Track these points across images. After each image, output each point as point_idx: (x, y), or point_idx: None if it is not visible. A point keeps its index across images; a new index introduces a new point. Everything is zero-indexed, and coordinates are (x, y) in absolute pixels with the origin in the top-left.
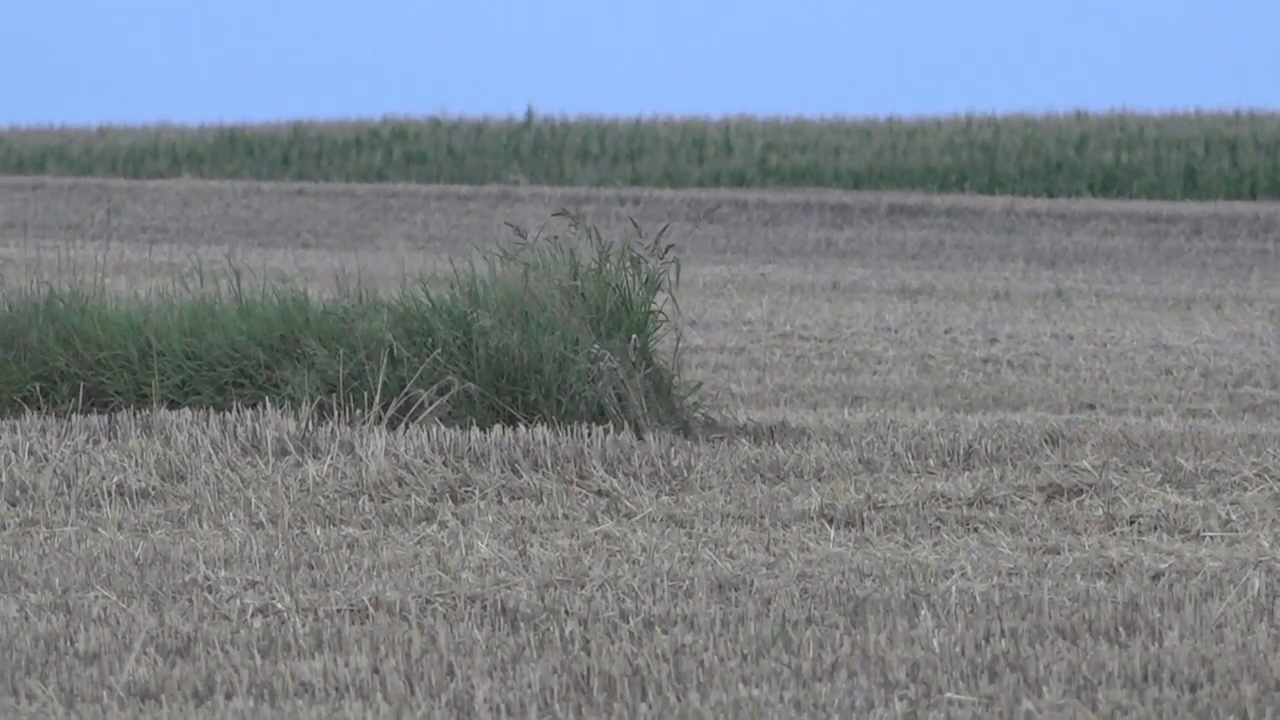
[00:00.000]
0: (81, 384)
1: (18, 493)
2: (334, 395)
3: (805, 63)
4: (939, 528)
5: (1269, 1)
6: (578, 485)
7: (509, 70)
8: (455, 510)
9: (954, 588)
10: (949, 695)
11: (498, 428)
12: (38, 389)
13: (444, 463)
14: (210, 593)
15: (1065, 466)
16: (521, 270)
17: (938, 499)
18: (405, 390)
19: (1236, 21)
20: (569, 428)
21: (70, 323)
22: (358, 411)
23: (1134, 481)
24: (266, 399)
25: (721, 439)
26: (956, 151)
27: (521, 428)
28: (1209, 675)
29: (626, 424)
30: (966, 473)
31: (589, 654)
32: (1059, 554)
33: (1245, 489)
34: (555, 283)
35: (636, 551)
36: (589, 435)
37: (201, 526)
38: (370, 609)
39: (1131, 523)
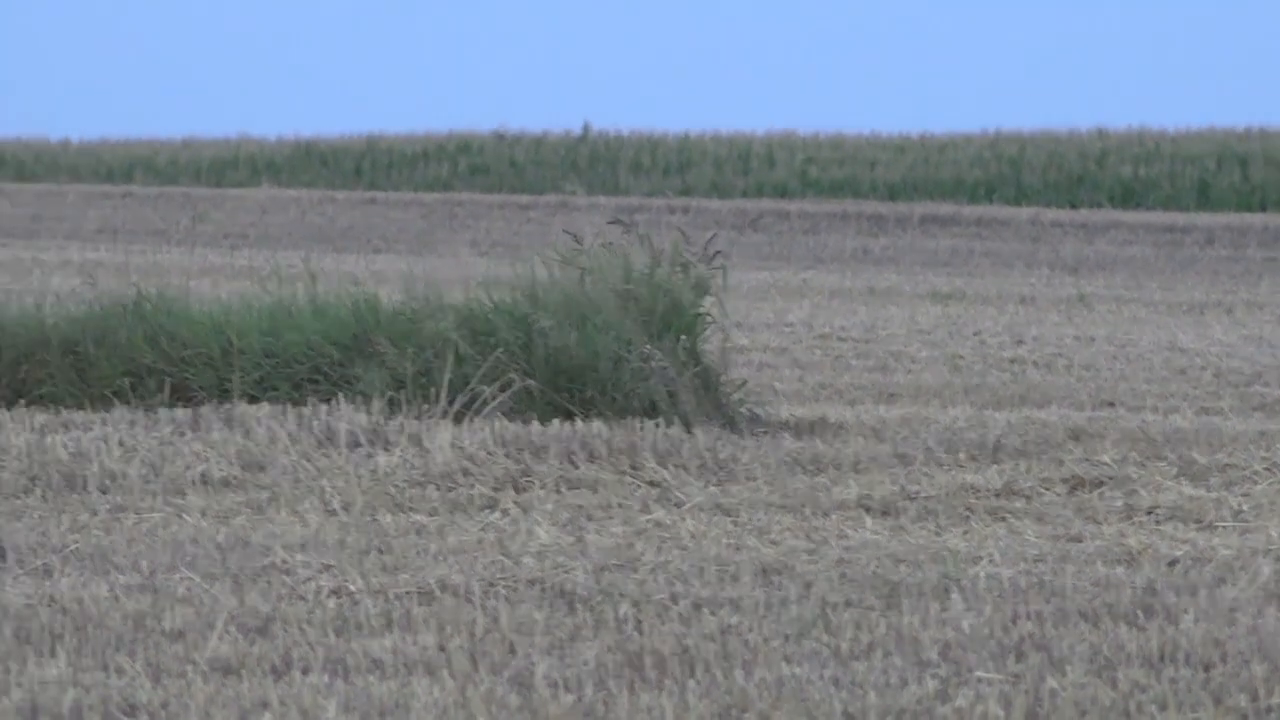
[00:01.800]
0: (167, 380)
1: (108, 481)
2: (403, 391)
3: (844, 81)
4: (969, 517)
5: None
6: (631, 476)
7: (567, 87)
8: (516, 499)
9: (983, 573)
10: (978, 674)
11: (556, 422)
12: (127, 384)
13: (506, 454)
14: (287, 575)
15: (1087, 460)
16: (578, 275)
17: (967, 490)
18: (470, 386)
19: (1248, 42)
20: (623, 422)
21: (157, 322)
22: (425, 406)
23: (1151, 474)
24: (340, 394)
25: (765, 433)
26: (985, 165)
27: (578, 422)
28: (1221, 656)
29: (676, 419)
30: (994, 465)
31: (641, 634)
32: (1081, 542)
33: (1256, 482)
34: (610, 286)
35: (686, 538)
36: (641, 429)
37: (279, 513)
38: (437, 591)
39: (1149, 513)
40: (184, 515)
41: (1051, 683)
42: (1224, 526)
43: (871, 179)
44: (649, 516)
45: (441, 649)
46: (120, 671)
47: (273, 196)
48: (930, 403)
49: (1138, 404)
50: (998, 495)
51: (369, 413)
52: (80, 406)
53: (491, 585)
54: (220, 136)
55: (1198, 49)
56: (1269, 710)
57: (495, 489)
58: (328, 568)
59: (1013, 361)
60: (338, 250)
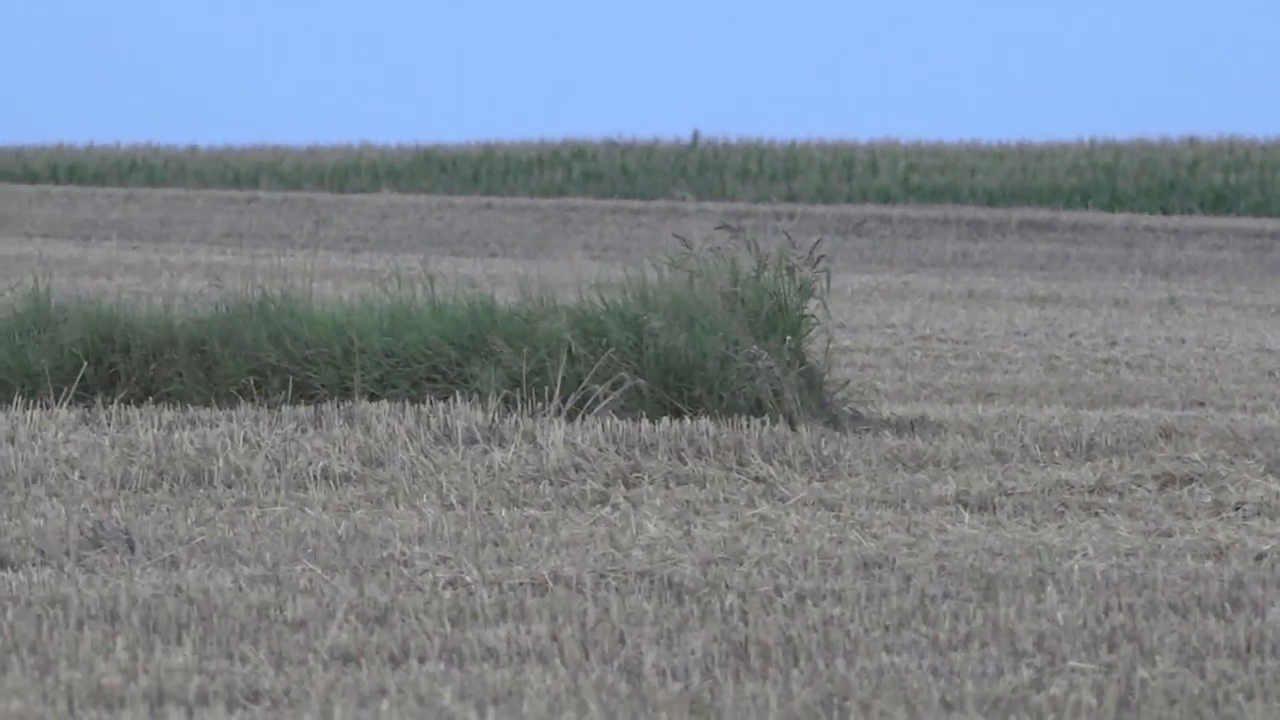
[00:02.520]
0: (290, 378)
1: (233, 476)
2: (518, 389)
3: (945, 90)
4: (1063, 512)
5: None
6: (737, 472)
7: (677, 95)
8: (626, 494)
9: (1076, 566)
10: (1072, 663)
11: (665, 420)
12: (251, 382)
13: (616, 451)
14: (405, 567)
15: (1177, 458)
16: (687, 277)
17: (1062, 486)
18: (582, 385)
19: None
20: (729, 420)
21: (281, 323)
22: (539, 404)
23: (1239, 471)
24: (457, 393)
25: (867, 431)
26: (1080, 173)
27: (686, 420)
28: None
29: (781, 417)
30: (1088, 463)
31: (746, 624)
32: (1171, 537)
33: None
34: (717, 289)
35: (790, 532)
36: (747, 427)
37: (398, 507)
38: (549, 582)
39: (1237, 509)
40: (306, 509)
41: (1142, 672)
42: None
43: (971, 185)
44: (754, 511)
45: (554, 638)
46: (244, 659)
47: (393, 202)
48: (1026, 402)
49: (1226, 403)
50: (1091, 491)
51: (485, 410)
52: (206, 404)
53: (602, 577)
54: (343, 144)
55: None
56: None
57: (606, 484)
58: (444, 560)
59: (1106, 362)
60: (455, 254)
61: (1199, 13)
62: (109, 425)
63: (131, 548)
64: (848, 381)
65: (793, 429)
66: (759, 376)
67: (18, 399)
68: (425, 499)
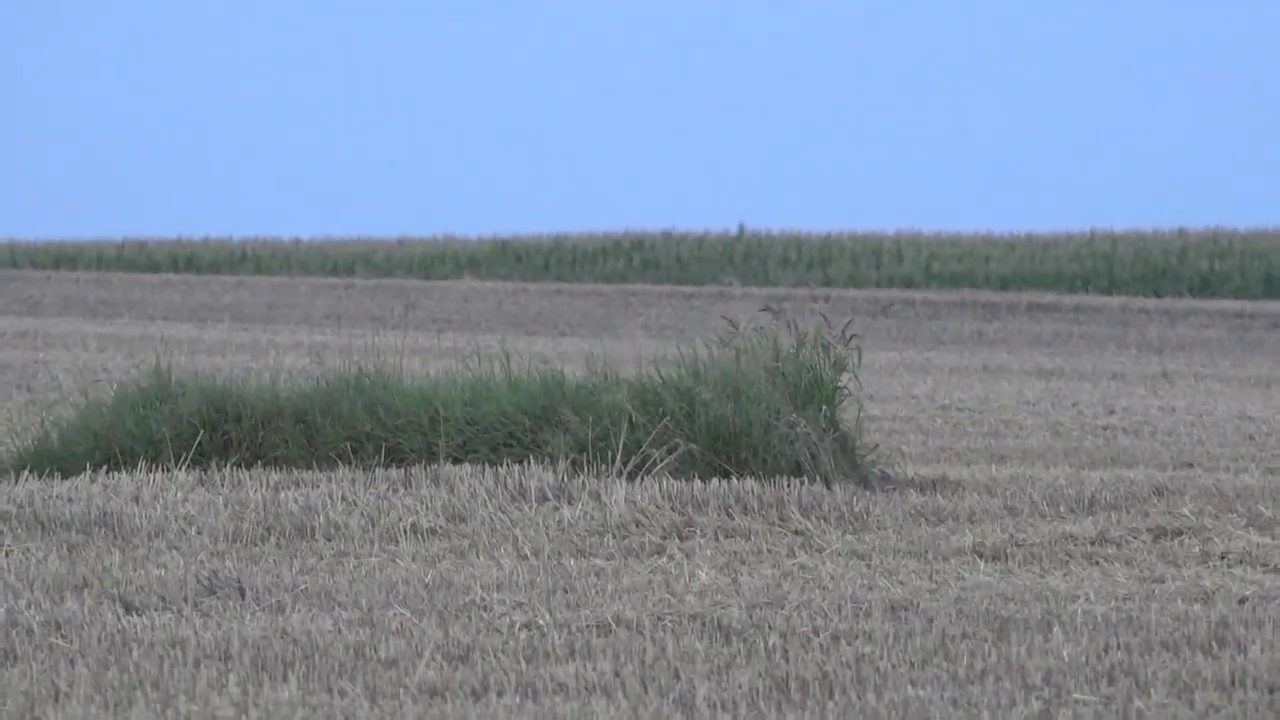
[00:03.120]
0: (383, 444)
1: (332, 530)
2: (584, 453)
3: (962, 186)
4: (1068, 561)
5: None
6: (779, 526)
7: (725, 192)
8: (680, 546)
9: (1080, 609)
10: (1075, 695)
11: (714, 480)
12: (349, 448)
13: (672, 508)
14: (485, 611)
15: (1169, 513)
16: (734, 354)
17: (1067, 538)
18: (641, 449)
19: None
20: (772, 480)
21: (375, 395)
22: (603, 466)
23: (1224, 525)
24: (530, 456)
25: (893, 489)
26: (1082, 260)
27: (734, 480)
28: None
29: (818, 477)
30: (1090, 517)
31: (787, 661)
32: (1163, 583)
33: None
34: (761, 364)
35: (825, 579)
36: (788, 486)
37: (478, 558)
38: (613, 625)
39: (1222, 558)
40: (397, 560)
41: (1138, 703)
42: None
43: (985, 272)
44: (794, 560)
45: (617, 674)
46: (342, 694)
47: (473, 287)
48: (1035, 463)
49: (1212, 465)
50: (1092, 543)
51: (555, 472)
52: (309, 467)
53: (659, 619)
54: (429, 236)
55: (1269, 155)
56: None
57: (663, 537)
58: (519, 604)
59: (1105, 428)
60: (529, 334)
61: (1188, 115)
62: (222, 486)
63: (242, 594)
64: (876, 445)
65: (828, 488)
66: (798, 441)
67: (142, 463)
68: (503, 550)
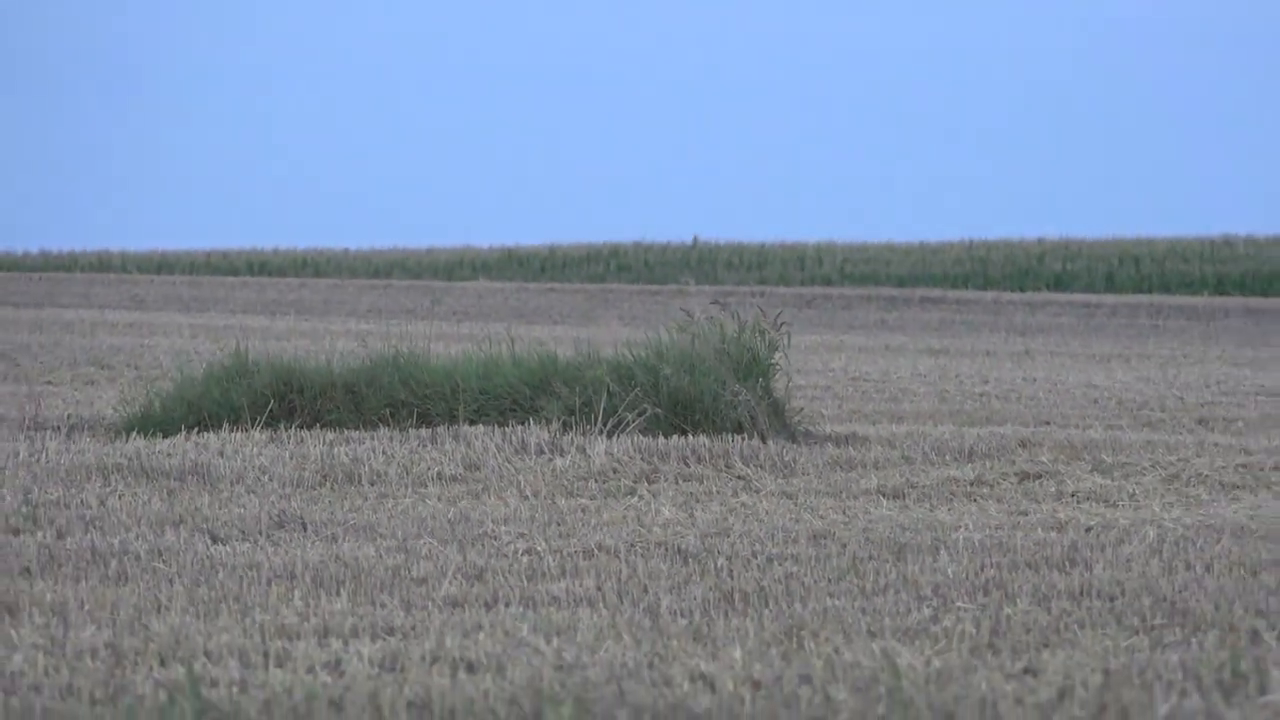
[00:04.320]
0: (415, 409)
1: (375, 477)
2: (573, 416)
3: (868, 202)
4: (952, 498)
5: (1168, 145)
6: (725, 472)
7: (681, 208)
8: (648, 488)
9: (961, 536)
10: (958, 604)
11: (675, 436)
12: (388, 413)
13: (641, 459)
14: (495, 540)
15: (1031, 460)
16: (690, 338)
17: (951, 480)
18: (617, 413)
19: (1149, 165)
20: (720, 436)
21: (408, 371)
22: (587, 426)
23: (1074, 470)
24: (530, 418)
25: (815, 443)
26: (962, 263)
27: (690, 436)
28: (1121, 591)
29: (756, 434)
30: (969, 464)
31: (732, 578)
32: (1027, 515)
33: (1144, 475)
34: (711, 346)
35: (762, 514)
36: (732, 441)
37: (490, 498)
38: (595, 550)
39: (1073, 495)
40: (425, 500)
41: (1007, 610)
42: (1122, 505)
43: (887, 273)
44: (737, 499)
45: (599, 589)
46: (383, 605)
47: (486, 287)
48: (925, 422)
49: (1065, 423)
50: (971, 484)
51: (550, 431)
52: (356, 428)
53: (632, 546)
54: (451, 245)
55: (1111, 169)
56: (1153, 628)
57: (634, 481)
58: (522, 535)
59: (981, 395)
60: (529, 323)
61: (1046, 138)
62: (289, 443)
63: (304, 528)
64: (802, 409)
65: (764, 442)
66: (740, 406)
67: (225, 425)
68: (509, 492)
